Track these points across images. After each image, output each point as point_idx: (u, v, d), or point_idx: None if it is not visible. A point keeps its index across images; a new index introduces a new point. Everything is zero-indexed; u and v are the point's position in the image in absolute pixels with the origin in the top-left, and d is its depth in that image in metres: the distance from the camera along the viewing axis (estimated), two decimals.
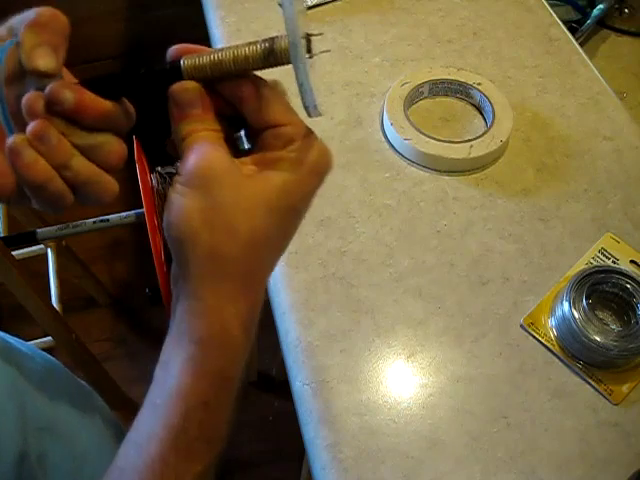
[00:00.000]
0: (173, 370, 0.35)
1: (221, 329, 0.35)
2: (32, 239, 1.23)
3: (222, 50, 0.38)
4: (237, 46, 0.38)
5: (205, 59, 0.38)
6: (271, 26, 0.83)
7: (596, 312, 0.59)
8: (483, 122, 0.75)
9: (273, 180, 0.35)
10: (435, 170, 0.70)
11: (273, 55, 0.37)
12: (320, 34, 0.38)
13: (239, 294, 0.35)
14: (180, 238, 0.34)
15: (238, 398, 0.37)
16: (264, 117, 0.36)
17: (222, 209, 0.34)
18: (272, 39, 0.38)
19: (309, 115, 0.38)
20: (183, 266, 0.35)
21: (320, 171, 0.37)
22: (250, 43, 0.38)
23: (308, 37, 0.38)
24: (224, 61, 0.38)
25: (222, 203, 0.34)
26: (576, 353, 0.57)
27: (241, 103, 0.37)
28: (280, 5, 0.85)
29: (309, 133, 0.38)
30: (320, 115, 0.38)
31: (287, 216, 0.36)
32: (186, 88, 0.37)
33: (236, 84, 0.37)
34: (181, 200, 0.34)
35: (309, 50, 0.38)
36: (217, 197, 0.34)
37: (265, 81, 0.38)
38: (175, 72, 0.37)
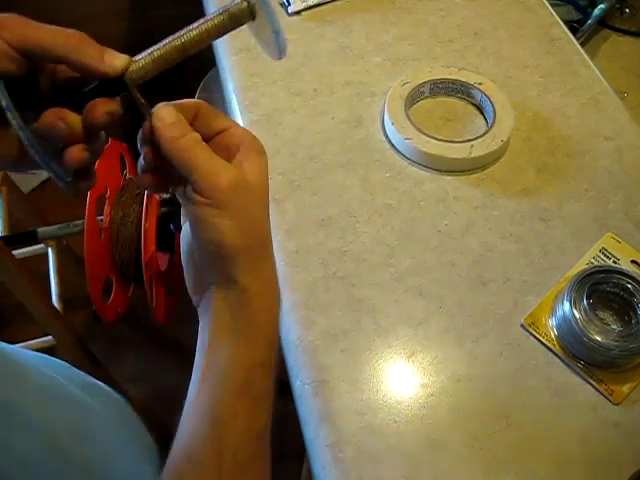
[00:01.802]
0: (230, 342, 0.41)
1: (267, 308, 0.43)
2: (33, 238, 1.23)
3: (188, 31, 0.42)
4: (200, 25, 0.42)
5: (159, 52, 0.42)
6: None
7: (597, 312, 0.59)
8: (484, 122, 0.75)
9: (253, 170, 0.42)
10: (436, 170, 0.70)
11: (237, 20, 0.42)
12: None
13: (273, 275, 0.44)
14: (222, 254, 0.40)
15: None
16: (217, 125, 0.43)
17: (250, 220, 0.41)
18: (227, 7, 0.42)
19: (279, 57, 0.44)
20: (222, 274, 0.41)
21: (265, 153, 0.45)
22: (208, 19, 0.42)
23: None
24: (191, 40, 0.42)
25: (249, 215, 0.41)
26: (577, 353, 0.57)
27: (195, 119, 0.43)
28: (281, 5, 0.85)
29: (244, 129, 0.45)
30: (284, 56, 0.44)
31: (266, 196, 0.44)
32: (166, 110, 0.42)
33: (188, 106, 0.43)
34: (219, 222, 0.40)
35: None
36: (245, 212, 0.41)
37: (197, 100, 0.44)
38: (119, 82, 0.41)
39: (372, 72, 0.80)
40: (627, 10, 1.03)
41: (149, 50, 0.42)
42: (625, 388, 0.56)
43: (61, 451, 0.49)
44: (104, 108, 0.40)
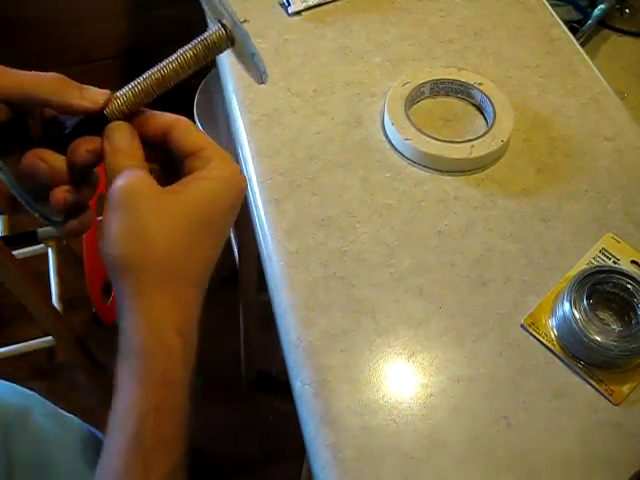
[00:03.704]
0: (125, 383, 0.37)
1: (157, 338, 0.38)
2: (33, 239, 1.23)
3: (163, 66, 0.41)
4: (178, 57, 0.41)
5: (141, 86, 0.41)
6: (271, 26, 0.83)
7: (597, 312, 0.59)
8: (484, 122, 0.75)
9: (191, 193, 0.39)
10: (436, 170, 0.70)
11: (216, 47, 0.42)
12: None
13: (170, 304, 0.38)
14: (112, 258, 0.37)
15: (191, 400, 0.39)
16: (188, 144, 0.40)
17: (142, 223, 0.37)
18: (204, 37, 0.41)
19: (262, 81, 0.42)
20: (118, 284, 0.38)
21: (234, 186, 0.41)
22: (187, 50, 0.41)
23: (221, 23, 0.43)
24: (166, 76, 0.41)
25: (141, 217, 0.38)
26: (577, 353, 0.57)
27: (166, 136, 0.41)
28: (281, 5, 0.85)
29: (224, 153, 0.41)
30: (266, 78, 0.42)
31: (206, 227, 0.39)
32: (119, 128, 0.41)
33: (159, 121, 0.41)
34: (109, 223, 0.38)
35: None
36: (137, 212, 0.37)
37: (179, 116, 0.42)
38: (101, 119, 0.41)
39: (372, 72, 0.80)
40: (627, 10, 1.03)
41: (129, 85, 0.41)
42: (625, 388, 0.56)
43: None
44: (85, 147, 0.40)
